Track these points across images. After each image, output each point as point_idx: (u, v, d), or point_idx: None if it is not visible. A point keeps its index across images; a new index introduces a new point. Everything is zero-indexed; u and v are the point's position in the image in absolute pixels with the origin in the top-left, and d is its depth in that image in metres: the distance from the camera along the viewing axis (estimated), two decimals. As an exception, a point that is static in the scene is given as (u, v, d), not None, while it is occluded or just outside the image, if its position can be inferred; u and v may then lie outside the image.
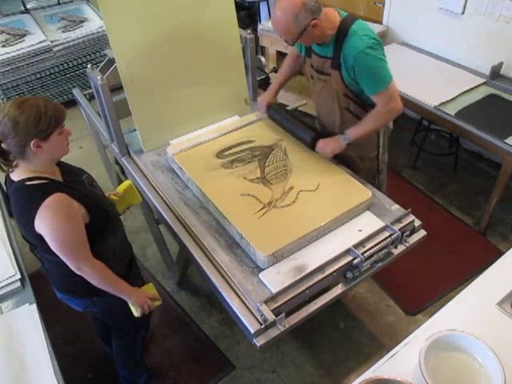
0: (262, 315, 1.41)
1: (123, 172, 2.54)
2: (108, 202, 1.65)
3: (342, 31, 1.72)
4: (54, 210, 1.32)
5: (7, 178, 1.45)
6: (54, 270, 1.55)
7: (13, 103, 1.30)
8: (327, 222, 1.66)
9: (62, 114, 1.36)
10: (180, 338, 2.26)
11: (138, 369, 1.99)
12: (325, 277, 1.53)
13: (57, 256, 1.41)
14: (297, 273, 1.53)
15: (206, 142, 2.07)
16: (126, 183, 1.85)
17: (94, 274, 1.45)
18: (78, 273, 1.43)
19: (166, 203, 1.88)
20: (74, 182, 1.49)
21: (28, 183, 1.36)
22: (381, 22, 3.47)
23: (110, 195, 1.77)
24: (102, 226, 1.51)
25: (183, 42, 2.08)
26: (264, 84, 2.67)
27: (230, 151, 2.01)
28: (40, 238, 1.36)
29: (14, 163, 1.37)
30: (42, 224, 1.32)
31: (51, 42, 3.77)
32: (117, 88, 2.09)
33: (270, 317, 1.39)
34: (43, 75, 3.83)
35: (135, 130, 2.14)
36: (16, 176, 1.39)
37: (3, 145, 1.33)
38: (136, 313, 1.57)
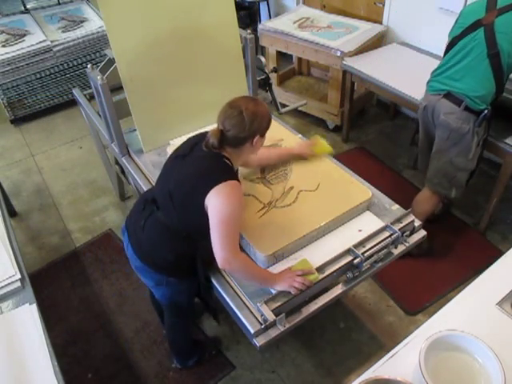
0: (262, 315, 1.41)
1: (123, 172, 2.54)
2: None
3: None
4: (234, 191, 1.39)
5: (196, 140, 1.53)
6: (156, 236, 1.55)
7: (247, 100, 1.45)
8: (327, 222, 1.66)
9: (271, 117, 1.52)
10: (180, 338, 2.26)
11: (188, 350, 2.06)
12: (325, 277, 1.53)
13: (180, 224, 1.47)
14: (297, 273, 1.53)
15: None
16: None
17: (240, 265, 1.44)
18: (219, 260, 1.39)
19: (166, 203, 1.88)
20: None
21: (222, 158, 1.45)
22: (381, 22, 3.47)
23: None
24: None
25: (183, 42, 2.08)
26: (264, 84, 2.66)
27: (230, 151, 2.01)
28: (199, 201, 1.38)
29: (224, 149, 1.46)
30: (219, 195, 1.36)
31: (51, 42, 3.77)
32: (117, 88, 2.09)
33: (270, 317, 1.39)
34: (43, 75, 3.82)
35: (135, 129, 2.14)
36: None
37: (228, 134, 1.42)
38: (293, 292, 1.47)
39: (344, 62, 3.06)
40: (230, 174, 1.44)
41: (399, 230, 1.65)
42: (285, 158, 1.95)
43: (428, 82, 2.25)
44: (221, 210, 1.37)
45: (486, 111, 2.04)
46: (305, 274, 1.47)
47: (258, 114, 1.42)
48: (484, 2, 2.03)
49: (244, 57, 2.31)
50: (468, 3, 2.81)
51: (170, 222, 1.51)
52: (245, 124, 1.40)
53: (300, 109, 3.52)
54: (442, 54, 2.25)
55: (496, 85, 2.03)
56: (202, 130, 2.18)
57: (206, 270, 1.59)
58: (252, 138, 1.45)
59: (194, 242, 1.52)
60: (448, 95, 2.10)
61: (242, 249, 1.65)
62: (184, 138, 2.14)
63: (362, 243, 1.61)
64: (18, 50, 3.64)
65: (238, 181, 1.44)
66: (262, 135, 1.49)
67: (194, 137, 1.60)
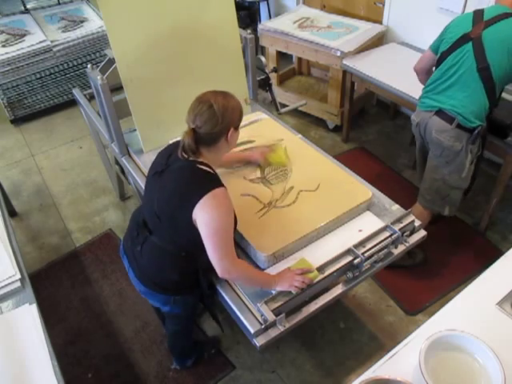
0: (262, 315, 1.41)
1: (123, 172, 2.54)
2: None
3: None
4: (220, 200, 1.35)
5: (169, 152, 1.48)
6: (155, 261, 1.53)
7: (215, 93, 1.40)
8: (327, 222, 1.66)
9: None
10: (180, 338, 2.26)
11: (187, 351, 2.08)
12: (325, 277, 1.53)
13: (175, 246, 1.44)
14: (297, 273, 1.53)
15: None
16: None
17: (240, 273, 1.43)
18: (219, 270, 1.38)
19: (166, 203, 1.88)
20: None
21: (199, 166, 1.40)
22: (381, 22, 3.47)
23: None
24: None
25: (183, 42, 2.08)
26: (264, 84, 2.66)
27: (230, 151, 2.01)
28: (186, 218, 1.35)
29: (200, 152, 1.42)
30: (206, 209, 1.33)
31: (51, 41, 3.77)
32: (117, 88, 2.09)
33: (270, 317, 1.39)
34: (43, 75, 3.82)
35: (135, 129, 2.14)
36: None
37: (200, 131, 1.37)
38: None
39: (344, 62, 3.06)
40: (212, 181, 1.40)
41: (399, 230, 1.65)
42: (241, 162, 1.93)
43: (420, 98, 2.21)
44: (210, 223, 1.34)
45: (479, 128, 2.00)
46: (304, 273, 1.47)
47: (228, 106, 1.38)
48: (470, 15, 2.00)
49: (244, 57, 2.31)
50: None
51: (166, 245, 1.48)
52: (217, 118, 1.36)
53: (300, 109, 3.52)
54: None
55: (488, 99, 1.98)
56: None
57: (208, 278, 1.58)
58: (226, 133, 1.41)
59: (195, 258, 1.50)
60: (439, 112, 2.06)
61: (241, 249, 1.65)
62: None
63: (362, 243, 1.61)
64: (17, 50, 3.64)
65: (221, 184, 1.40)
66: (236, 128, 1.45)
67: (165, 149, 1.56)
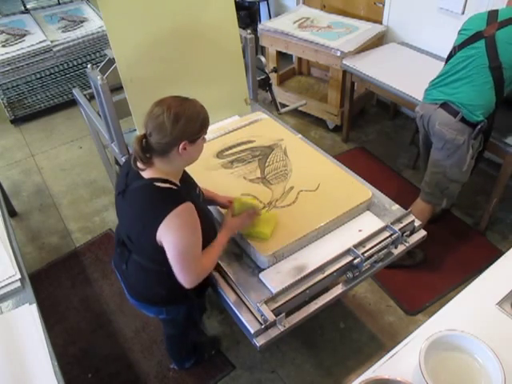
0: (262, 315, 1.41)
1: (123, 172, 2.53)
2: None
3: None
4: (183, 218, 1.28)
5: (126, 170, 1.38)
6: (141, 278, 1.51)
7: (174, 99, 1.28)
8: (327, 222, 1.66)
9: (209, 120, 1.35)
10: (180, 338, 2.26)
11: (185, 354, 2.07)
12: (325, 277, 1.53)
13: (155, 264, 1.40)
14: (297, 273, 1.53)
15: (205, 142, 2.07)
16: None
17: (206, 273, 1.42)
18: (187, 285, 1.37)
19: (166, 203, 1.88)
20: (189, 192, 1.42)
21: (157, 184, 1.30)
22: (381, 22, 3.47)
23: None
24: (206, 244, 1.44)
25: (183, 42, 2.07)
26: (264, 84, 2.66)
27: (230, 151, 2.01)
28: (151, 241, 1.30)
29: (151, 161, 1.31)
30: (169, 231, 1.27)
31: (51, 42, 3.76)
32: (117, 88, 2.09)
33: (270, 317, 1.39)
34: (43, 75, 3.82)
35: (135, 129, 2.14)
36: (144, 173, 1.33)
37: (150, 139, 1.26)
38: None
39: (344, 62, 3.06)
40: (173, 199, 1.29)
41: (399, 230, 1.65)
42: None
43: (426, 90, 2.24)
44: (176, 244, 1.29)
45: (482, 124, 2.02)
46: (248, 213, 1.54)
47: (182, 115, 1.24)
48: (485, 15, 2.04)
49: (244, 57, 2.31)
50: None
51: (147, 263, 1.46)
52: (165, 127, 1.23)
53: (300, 109, 3.52)
54: (441, 54, 2.26)
55: (496, 97, 2.01)
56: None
57: (197, 287, 1.52)
58: (176, 145, 1.26)
59: None
60: (445, 105, 2.08)
61: (242, 249, 1.65)
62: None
63: (362, 243, 1.61)
64: (17, 50, 3.64)
65: (183, 200, 1.28)
66: (192, 141, 1.29)
67: (124, 164, 1.48)
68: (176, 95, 1.31)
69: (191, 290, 1.44)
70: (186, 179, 1.50)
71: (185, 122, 1.25)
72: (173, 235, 1.28)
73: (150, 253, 1.41)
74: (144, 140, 1.28)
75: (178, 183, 1.38)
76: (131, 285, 1.58)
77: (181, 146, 1.27)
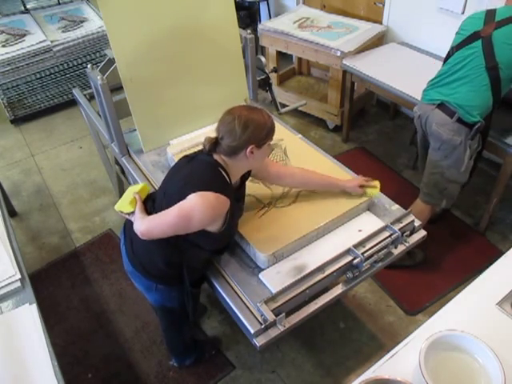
0: (262, 315, 1.41)
1: (123, 172, 2.54)
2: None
3: None
4: (214, 206, 1.34)
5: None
6: (148, 245, 1.53)
7: (243, 108, 1.42)
8: (327, 222, 1.66)
9: (275, 129, 1.45)
10: (180, 337, 2.26)
11: (184, 350, 2.07)
12: (325, 277, 1.53)
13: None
14: (297, 273, 1.53)
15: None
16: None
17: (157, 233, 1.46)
18: (141, 236, 1.45)
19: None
20: (235, 198, 1.49)
21: (219, 168, 1.41)
22: (381, 22, 3.47)
23: None
24: (219, 246, 1.56)
25: (183, 42, 2.08)
26: (264, 84, 2.66)
27: (230, 151, 2.01)
28: (176, 202, 1.37)
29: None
30: (198, 200, 1.33)
31: (51, 42, 3.76)
32: (117, 88, 2.09)
33: (270, 317, 1.39)
34: (43, 75, 3.82)
35: (135, 129, 2.14)
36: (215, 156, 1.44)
37: (222, 142, 1.40)
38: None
39: (344, 62, 3.06)
40: (221, 186, 1.38)
41: (399, 230, 1.65)
42: (330, 188, 1.77)
43: (424, 90, 2.23)
44: (191, 207, 1.33)
45: (478, 124, 2.02)
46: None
47: (251, 122, 1.37)
48: (482, 14, 2.03)
49: (244, 57, 2.31)
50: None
51: None
52: (235, 132, 1.36)
53: (300, 109, 3.52)
54: (441, 54, 2.25)
55: (493, 97, 2.01)
56: (202, 130, 2.20)
57: (193, 277, 1.59)
58: (245, 149, 1.38)
59: (181, 251, 1.50)
60: (442, 106, 2.08)
61: (241, 249, 1.65)
62: (184, 138, 2.17)
63: (361, 243, 1.61)
64: (17, 50, 3.64)
65: (226, 194, 1.37)
66: (259, 146, 1.40)
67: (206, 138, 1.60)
68: (247, 105, 1.46)
69: (188, 278, 1.52)
70: (242, 192, 1.60)
71: (253, 129, 1.37)
72: (190, 202, 1.34)
73: None
74: (214, 141, 1.42)
75: (232, 182, 1.46)
76: (135, 248, 1.59)
77: (248, 150, 1.38)
